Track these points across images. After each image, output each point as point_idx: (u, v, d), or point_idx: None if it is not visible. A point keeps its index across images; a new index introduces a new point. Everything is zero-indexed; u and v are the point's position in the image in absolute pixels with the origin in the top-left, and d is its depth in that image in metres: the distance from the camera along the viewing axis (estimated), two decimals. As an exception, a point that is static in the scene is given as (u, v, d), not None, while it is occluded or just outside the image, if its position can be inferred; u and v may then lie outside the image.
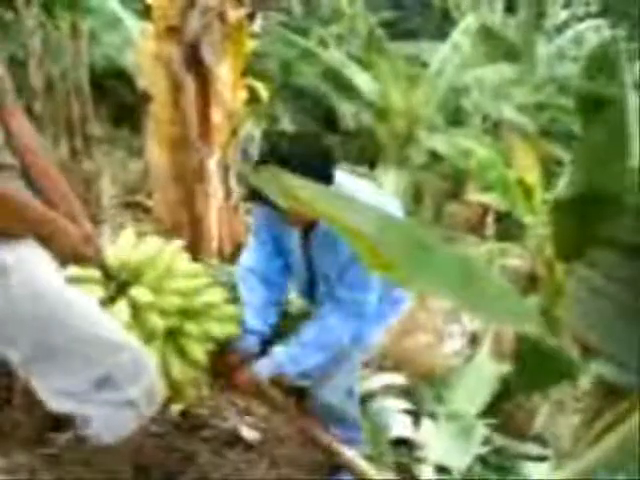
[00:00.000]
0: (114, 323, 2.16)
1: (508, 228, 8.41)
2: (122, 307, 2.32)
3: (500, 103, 10.14)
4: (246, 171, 4.29)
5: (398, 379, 3.69)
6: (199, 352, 2.51)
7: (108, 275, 2.30)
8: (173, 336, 2.47)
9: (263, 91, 4.29)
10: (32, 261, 1.98)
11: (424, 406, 3.59)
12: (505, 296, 1.18)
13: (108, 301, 2.32)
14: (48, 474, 2.41)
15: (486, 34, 10.41)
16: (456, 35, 9.68)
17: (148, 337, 2.32)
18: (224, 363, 2.63)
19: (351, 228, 1.06)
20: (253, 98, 4.29)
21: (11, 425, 2.59)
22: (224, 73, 3.88)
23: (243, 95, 4.10)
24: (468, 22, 9.85)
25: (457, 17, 11.63)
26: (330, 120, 10.41)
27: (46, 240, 2.01)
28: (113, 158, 6.84)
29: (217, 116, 3.91)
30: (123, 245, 2.55)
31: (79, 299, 2.08)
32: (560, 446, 3.42)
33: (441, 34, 10.80)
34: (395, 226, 1.09)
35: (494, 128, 10.31)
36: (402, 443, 3.24)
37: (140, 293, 2.38)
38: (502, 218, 8.72)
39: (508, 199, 7.05)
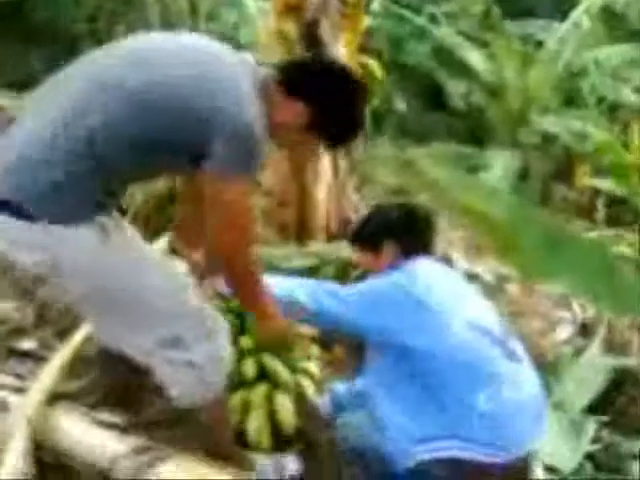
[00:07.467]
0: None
1: (620, 214, 8.10)
2: None
3: (619, 85, 9.69)
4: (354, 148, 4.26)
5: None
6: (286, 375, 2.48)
7: None
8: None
9: (377, 69, 4.25)
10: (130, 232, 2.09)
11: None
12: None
13: None
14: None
15: (608, 15, 9.93)
16: (576, 14, 9.29)
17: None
18: None
19: (485, 215, 1.04)
20: (367, 76, 4.24)
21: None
22: (340, 50, 3.87)
23: (357, 73, 4.07)
24: (590, 1, 9.42)
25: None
26: (438, 99, 10.23)
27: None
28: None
29: (331, 93, 3.90)
30: None
31: (166, 267, 2.17)
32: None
33: (559, 13, 10.39)
34: (533, 216, 1.06)
35: (610, 111, 9.89)
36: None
37: None
38: (613, 204, 8.40)
39: (624, 184, 6.78)
